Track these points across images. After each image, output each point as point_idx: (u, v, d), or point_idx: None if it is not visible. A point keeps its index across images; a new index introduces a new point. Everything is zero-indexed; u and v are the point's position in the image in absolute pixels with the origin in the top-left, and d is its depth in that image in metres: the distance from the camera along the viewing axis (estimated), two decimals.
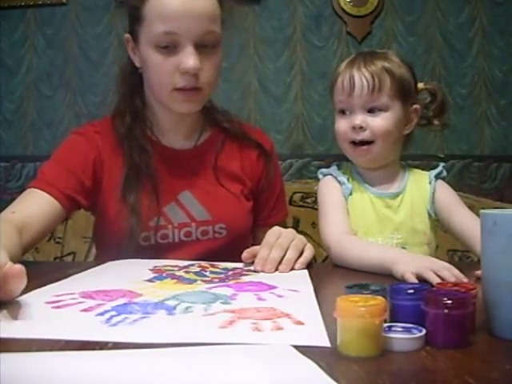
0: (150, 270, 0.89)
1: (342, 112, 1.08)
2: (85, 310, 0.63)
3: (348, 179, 1.11)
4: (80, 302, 0.66)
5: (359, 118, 1.05)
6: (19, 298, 0.66)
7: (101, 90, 2.54)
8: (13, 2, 2.59)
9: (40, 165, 1.14)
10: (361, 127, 1.05)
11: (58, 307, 0.65)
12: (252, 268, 0.93)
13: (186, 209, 1.13)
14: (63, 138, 1.19)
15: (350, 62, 1.08)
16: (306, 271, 0.91)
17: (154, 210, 1.10)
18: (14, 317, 0.60)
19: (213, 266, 0.95)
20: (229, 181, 1.18)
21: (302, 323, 0.57)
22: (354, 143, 1.07)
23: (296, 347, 0.49)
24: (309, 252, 0.97)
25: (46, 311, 0.63)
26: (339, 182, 1.10)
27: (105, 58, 2.57)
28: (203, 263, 0.97)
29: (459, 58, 2.61)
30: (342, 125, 1.07)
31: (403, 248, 1.07)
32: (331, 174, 1.12)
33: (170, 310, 0.63)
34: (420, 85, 1.12)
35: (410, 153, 1.14)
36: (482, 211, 0.56)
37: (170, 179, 1.14)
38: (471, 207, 1.16)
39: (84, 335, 0.54)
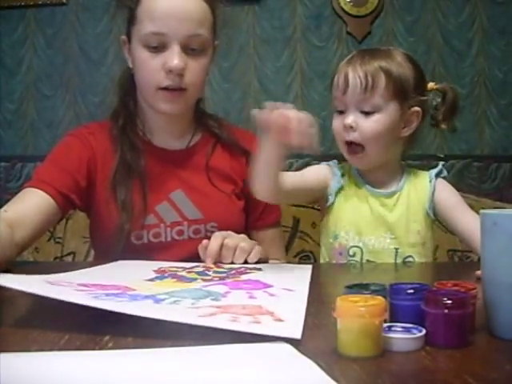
0: (154, 270, 0.89)
1: (338, 110, 1.06)
2: (78, 290, 0.65)
3: (343, 175, 1.10)
4: (75, 288, 0.68)
5: (350, 118, 1.03)
6: (19, 274, 0.70)
7: (101, 90, 2.53)
8: (13, 2, 2.58)
9: (39, 165, 1.16)
10: (351, 127, 1.03)
11: (54, 284, 0.67)
12: (257, 266, 0.94)
13: (178, 208, 1.15)
14: (62, 138, 1.20)
15: (348, 60, 1.06)
16: (310, 268, 0.91)
17: (145, 209, 1.11)
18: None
19: (218, 266, 0.95)
20: (220, 180, 1.20)
21: (281, 320, 0.57)
22: (348, 143, 1.05)
23: (295, 347, 0.49)
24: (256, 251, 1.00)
25: (41, 283, 0.66)
26: (333, 174, 1.10)
27: (105, 58, 2.57)
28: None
29: (459, 58, 2.61)
30: (337, 123, 1.06)
31: (396, 248, 1.06)
32: (329, 165, 1.13)
33: (158, 301, 0.63)
34: (430, 84, 1.09)
35: (409, 152, 1.14)
36: (481, 211, 0.56)
37: (162, 178, 1.15)
38: (471, 207, 1.16)
39: (67, 297, 0.58)
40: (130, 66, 1.15)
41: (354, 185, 1.10)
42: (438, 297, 0.51)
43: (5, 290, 0.62)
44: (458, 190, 1.13)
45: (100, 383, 0.42)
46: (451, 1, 2.61)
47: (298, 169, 1.13)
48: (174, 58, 1.06)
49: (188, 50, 1.08)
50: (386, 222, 1.07)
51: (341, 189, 1.09)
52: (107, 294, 0.64)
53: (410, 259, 1.07)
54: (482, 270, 0.57)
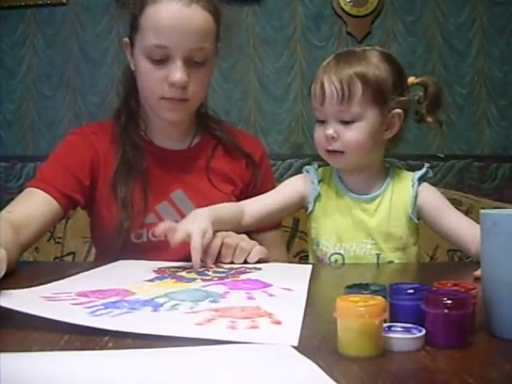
0: (154, 271, 0.89)
1: (319, 120, 1.05)
2: (75, 304, 0.64)
3: (320, 181, 1.10)
4: (73, 299, 0.67)
5: (331, 129, 1.02)
6: (15, 291, 0.67)
7: (101, 89, 2.53)
8: (13, 2, 2.58)
9: (40, 165, 1.16)
10: (332, 137, 1.02)
11: (52, 300, 0.66)
12: (257, 266, 0.94)
13: (178, 208, 1.16)
14: (63, 138, 1.20)
15: (324, 67, 1.05)
16: (310, 268, 0.91)
17: (146, 208, 1.12)
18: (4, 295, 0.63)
19: (218, 266, 0.95)
20: (220, 181, 1.20)
21: (279, 323, 0.57)
22: (330, 151, 1.04)
23: (295, 347, 0.49)
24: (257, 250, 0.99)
25: (38, 301, 0.65)
26: (310, 181, 1.10)
27: (105, 58, 2.57)
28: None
29: (459, 58, 2.60)
30: (318, 134, 1.05)
31: (378, 254, 1.05)
32: (308, 172, 1.12)
33: (156, 307, 0.63)
34: (411, 79, 1.07)
35: (409, 153, 1.13)
36: (481, 211, 0.56)
37: (163, 178, 1.16)
38: (471, 207, 1.16)
39: (66, 318, 0.56)
40: (133, 68, 1.16)
41: (335, 191, 1.09)
42: (438, 297, 0.51)
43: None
44: (458, 190, 1.13)
45: (100, 383, 0.42)
46: (451, 1, 2.61)
47: (298, 169, 1.14)
48: (177, 72, 1.06)
49: (191, 62, 1.08)
50: (366, 227, 1.06)
51: (319, 196, 1.09)
52: (106, 306, 0.63)
53: None
54: (482, 270, 0.57)
